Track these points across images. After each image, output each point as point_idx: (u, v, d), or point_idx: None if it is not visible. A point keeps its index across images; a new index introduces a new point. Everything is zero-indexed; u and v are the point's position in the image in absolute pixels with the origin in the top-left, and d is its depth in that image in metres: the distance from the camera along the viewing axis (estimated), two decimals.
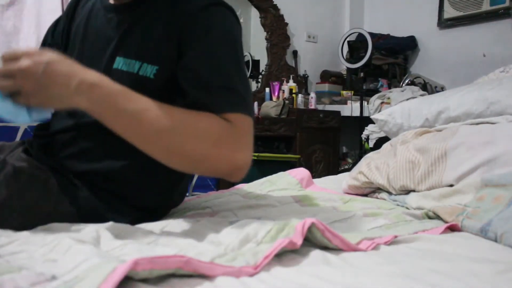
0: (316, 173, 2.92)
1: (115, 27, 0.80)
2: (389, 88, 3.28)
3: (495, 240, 0.79)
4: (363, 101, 2.93)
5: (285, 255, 0.61)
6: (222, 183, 2.22)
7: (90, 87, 0.64)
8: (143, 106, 0.65)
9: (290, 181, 1.28)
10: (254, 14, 3.37)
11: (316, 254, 0.62)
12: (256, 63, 3.29)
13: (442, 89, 3.09)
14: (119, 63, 0.77)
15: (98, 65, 0.77)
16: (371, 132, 2.74)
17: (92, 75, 0.65)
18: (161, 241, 0.67)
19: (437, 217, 0.96)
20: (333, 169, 3.09)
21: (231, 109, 0.70)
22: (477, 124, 1.10)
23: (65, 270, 0.48)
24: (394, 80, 3.39)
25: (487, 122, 1.07)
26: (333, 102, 3.35)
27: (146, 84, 0.74)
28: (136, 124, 0.65)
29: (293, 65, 3.51)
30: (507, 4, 2.85)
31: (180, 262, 0.48)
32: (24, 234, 0.65)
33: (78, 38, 0.86)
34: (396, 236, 0.75)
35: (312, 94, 3.23)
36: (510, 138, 0.96)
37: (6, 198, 0.71)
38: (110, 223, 0.71)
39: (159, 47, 0.75)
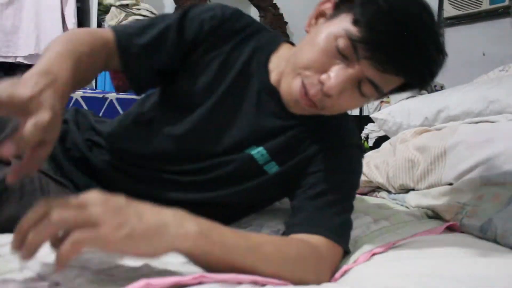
0: None
1: (270, 121, 0.77)
2: None
3: (495, 239, 0.79)
4: None
5: None
6: None
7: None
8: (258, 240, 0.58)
9: None
10: (254, 13, 3.37)
11: None
12: None
13: (442, 88, 3.09)
14: (254, 149, 0.76)
15: (227, 137, 0.76)
16: (370, 131, 2.74)
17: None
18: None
19: (437, 215, 0.96)
20: None
21: (338, 241, 0.67)
22: (477, 123, 1.10)
23: (69, 277, 0.48)
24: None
25: (487, 121, 1.07)
26: None
27: (263, 178, 0.77)
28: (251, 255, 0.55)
29: None
30: (506, 3, 2.85)
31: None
32: None
33: (210, 91, 0.77)
34: (394, 243, 0.74)
35: None
36: (509, 136, 0.96)
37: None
38: None
39: (293, 155, 0.76)
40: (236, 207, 0.82)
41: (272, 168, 0.77)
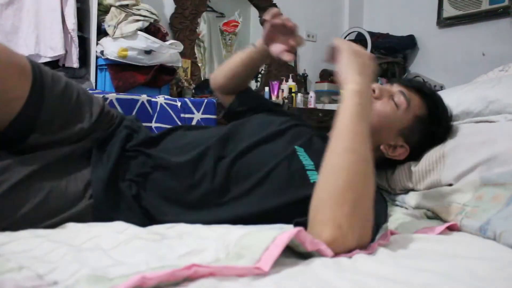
0: None
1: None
2: None
3: (494, 239, 0.79)
4: None
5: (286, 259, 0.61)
6: None
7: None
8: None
9: None
10: (254, 13, 3.37)
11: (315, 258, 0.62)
12: None
13: (442, 88, 3.09)
14: (299, 150, 0.86)
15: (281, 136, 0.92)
16: None
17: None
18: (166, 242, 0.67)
19: (436, 216, 0.96)
20: None
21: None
22: (477, 122, 1.10)
23: (66, 275, 0.48)
24: (394, 79, 3.39)
25: (486, 121, 1.07)
26: (332, 101, 3.35)
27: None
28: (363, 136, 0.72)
29: (293, 64, 3.50)
30: (506, 3, 2.85)
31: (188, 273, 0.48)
32: (25, 233, 0.65)
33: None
34: (393, 233, 0.75)
35: (312, 93, 3.23)
36: (509, 137, 0.96)
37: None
38: (120, 222, 0.72)
39: None
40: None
41: (314, 176, 0.80)
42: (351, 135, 0.70)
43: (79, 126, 0.86)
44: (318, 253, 0.61)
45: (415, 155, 1.05)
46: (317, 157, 0.77)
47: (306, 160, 0.83)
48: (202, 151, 0.85)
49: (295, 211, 0.70)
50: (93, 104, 0.90)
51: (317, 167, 0.79)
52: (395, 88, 1.03)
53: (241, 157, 0.84)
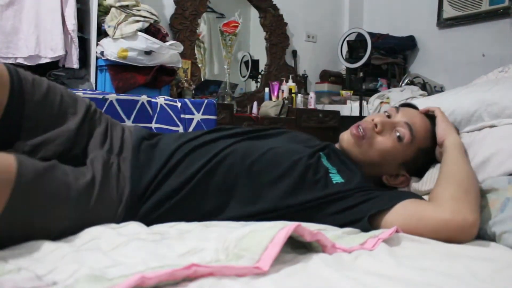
0: None
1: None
2: (389, 87, 3.28)
3: (494, 241, 0.79)
4: (363, 101, 2.93)
5: (285, 256, 0.61)
6: None
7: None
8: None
9: None
10: (254, 14, 3.37)
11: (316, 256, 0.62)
12: (255, 63, 3.29)
13: (442, 88, 3.09)
14: (323, 156, 0.96)
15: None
16: None
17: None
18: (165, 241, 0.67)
19: None
20: None
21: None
22: (480, 129, 1.08)
23: (66, 275, 0.48)
24: (394, 80, 3.38)
25: (483, 127, 1.06)
26: (332, 102, 3.35)
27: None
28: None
29: (293, 65, 3.50)
30: (506, 3, 2.85)
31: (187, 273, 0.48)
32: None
33: None
34: (397, 231, 0.75)
35: (312, 94, 3.23)
36: (497, 142, 0.97)
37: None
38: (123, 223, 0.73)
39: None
40: None
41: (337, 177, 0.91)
42: (464, 175, 0.87)
43: (66, 126, 0.84)
44: (318, 243, 0.64)
45: (418, 175, 1.04)
46: (336, 165, 0.94)
47: (328, 165, 0.93)
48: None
49: (317, 206, 0.85)
50: (77, 104, 0.88)
51: (338, 171, 0.91)
52: (400, 118, 1.00)
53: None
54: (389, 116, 1.01)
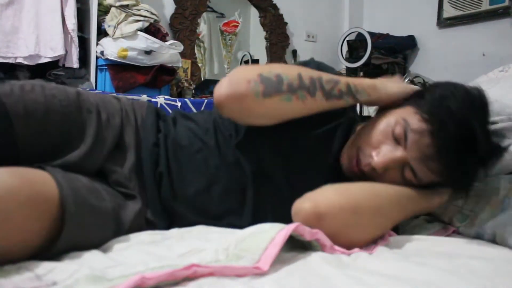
0: None
1: None
2: None
3: (493, 241, 0.79)
4: None
5: (285, 256, 0.61)
6: None
7: None
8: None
9: None
10: (254, 13, 3.37)
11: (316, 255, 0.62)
12: (255, 62, 3.29)
13: None
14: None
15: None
16: None
17: None
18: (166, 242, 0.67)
19: (434, 219, 0.97)
20: None
21: None
22: None
23: (65, 275, 0.48)
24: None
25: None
26: None
27: None
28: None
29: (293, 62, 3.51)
30: (506, 3, 2.85)
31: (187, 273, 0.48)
32: None
33: None
34: (391, 234, 0.75)
35: None
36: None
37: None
38: None
39: None
40: None
41: None
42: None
43: (72, 154, 0.75)
44: (317, 243, 0.64)
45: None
46: None
47: None
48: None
49: None
50: (86, 126, 0.78)
51: None
52: (409, 152, 0.76)
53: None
54: (397, 140, 0.78)
